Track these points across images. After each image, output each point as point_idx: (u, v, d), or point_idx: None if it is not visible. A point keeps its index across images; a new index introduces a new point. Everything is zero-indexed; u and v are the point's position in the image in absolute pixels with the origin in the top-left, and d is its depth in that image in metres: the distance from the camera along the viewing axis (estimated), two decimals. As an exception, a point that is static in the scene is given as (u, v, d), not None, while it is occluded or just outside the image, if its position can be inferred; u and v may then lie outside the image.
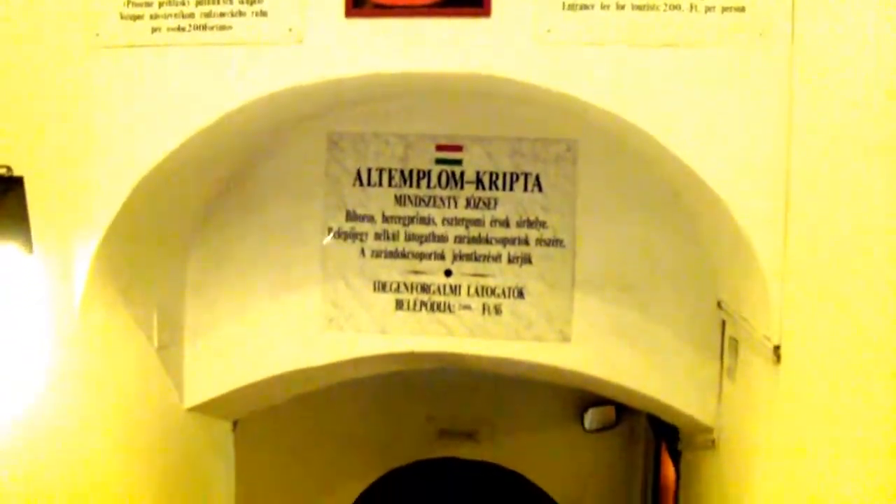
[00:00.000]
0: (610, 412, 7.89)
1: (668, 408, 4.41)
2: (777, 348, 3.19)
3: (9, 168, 2.96)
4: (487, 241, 4.38)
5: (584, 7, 3.33)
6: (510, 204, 4.38)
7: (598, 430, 8.03)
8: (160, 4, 3.51)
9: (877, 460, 2.31)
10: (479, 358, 4.50)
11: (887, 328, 2.26)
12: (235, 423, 5.38)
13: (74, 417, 3.53)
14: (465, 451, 8.49)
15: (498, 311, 4.36)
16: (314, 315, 4.45)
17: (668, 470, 6.42)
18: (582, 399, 8.00)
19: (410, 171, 4.43)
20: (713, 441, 4.26)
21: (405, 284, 4.39)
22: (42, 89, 3.36)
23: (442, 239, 4.40)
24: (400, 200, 4.43)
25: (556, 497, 8.54)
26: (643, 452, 8.14)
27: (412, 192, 4.42)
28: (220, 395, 4.55)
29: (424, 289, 4.39)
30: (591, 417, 7.92)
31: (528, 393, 8.15)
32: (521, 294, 4.35)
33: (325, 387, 5.93)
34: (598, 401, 7.83)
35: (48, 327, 3.36)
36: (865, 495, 2.38)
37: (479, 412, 8.36)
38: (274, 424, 8.20)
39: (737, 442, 3.92)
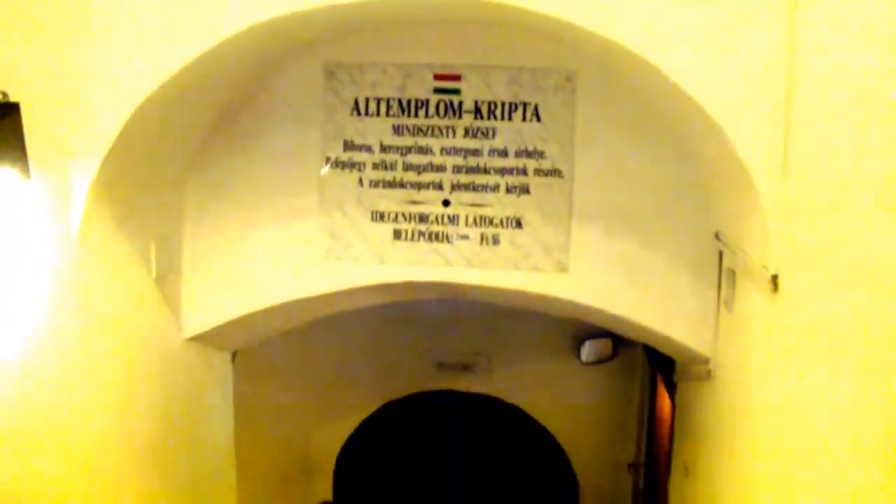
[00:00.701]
0: (606, 345, 7.92)
1: (664, 338, 4.43)
2: (775, 277, 3.20)
3: (5, 94, 2.94)
4: (486, 171, 4.36)
5: (586, -68, 3.29)
6: (509, 134, 4.35)
7: (595, 363, 8.07)
8: (158, -72, 3.46)
9: (872, 387, 2.32)
10: (476, 288, 4.50)
11: (885, 257, 2.26)
12: (234, 355, 5.40)
13: (73, 346, 3.54)
14: (463, 384, 8.56)
15: (496, 241, 4.36)
16: (312, 245, 4.45)
17: (664, 401, 6.48)
18: (579, 332, 8.04)
19: (408, 101, 4.39)
20: (709, 372, 4.29)
21: (403, 214, 4.38)
22: (39, 14, 3.31)
23: (440, 169, 4.38)
24: (398, 130, 4.40)
25: (551, 429, 8.62)
26: (639, 384, 8.21)
27: (410, 121, 4.39)
28: (219, 325, 4.57)
29: (422, 219, 4.38)
30: (587, 350, 7.95)
31: (526, 326, 8.18)
32: (519, 224, 4.35)
33: (324, 319, 5.96)
34: (594, 333, 7.86)
35: (46, 253, 3.36)
36: (861, 422, 2.40)
37: (477, 345, 8.41)
38: (273, 357, 8.26)
39: (733, 372, 3.95)
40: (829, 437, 2.65)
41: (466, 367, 8.43)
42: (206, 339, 4.69)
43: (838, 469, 2.57)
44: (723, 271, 4.14)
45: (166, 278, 4.31)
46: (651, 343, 5.02)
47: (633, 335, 4.94)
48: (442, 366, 8.47)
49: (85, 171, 3.50)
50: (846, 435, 2.51)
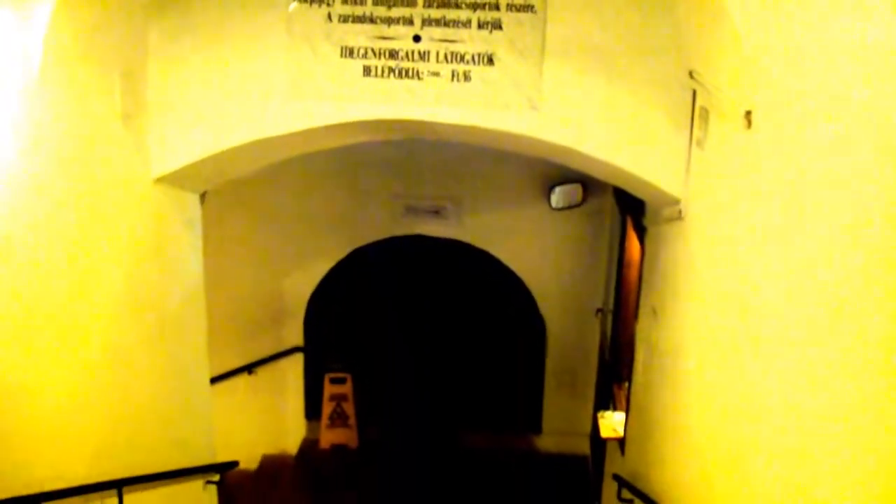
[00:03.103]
0: (577, 190, 7.96)
1: (635, 179, 4.42)
2: (748, 113, 3.18)
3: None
4: (457, 5, 4.23)
5: None
6: (481, -33, 4.23)
7: (565, 209, 8.12)
8: None
9: (846, 221, 2.33)
10: (447, 126, 4.44)
11: (857, 93, 2.24)
12: (203, 196, 5.35)
13: (33, 186, 3.47)
14: (432, 229, 8.59)
15: (467, 77, 4.27)
16: (280, 83, 4.35)
17: (634, 246, 6.53)
18: (549, 178, 8.05)
19: (379, -68, 4.24)
20: (680, 212, 4.30)
21: (373, 50, 4.28)
22: None
23: (410, 3, 4.24)
24: (368, -38, 4.26)
25: (520, 274, 8.72)
26: (609, 229, 8.27)
27: (380, -47, 4.25)
28: (186, 164, 4.50)
29: (392, 55, 4.28)
30: (557, 195, 7.98)
31: (496, 171, 8.19)
32: (490, 61, 4.26)
33: (293, 164, 5.90)
34: (565, 179, 7.88)
35: (7, 82, 3.27)
36: (832, 256, 2.42)
37: (447, 190, 8.41)
38: (242, 203, 8.26)
39: (703, 211, 3.96)
40: (797, 270, 2.68)
41: (436, 213, 8.45)
42: (173, 180, 4.63)
43: (806, 302, 2.60)
44: (696, 110, 4.10)
45: (132, 117, 4.22)
46: (622, 185, 5.01)
47: (604, 177, 4.92)
48: (411, 211, 8.48)
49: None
50: (815, 267, 2.53)
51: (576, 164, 4.74)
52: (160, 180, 4.53)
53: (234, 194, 8.22)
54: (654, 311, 4.96)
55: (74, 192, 3.76)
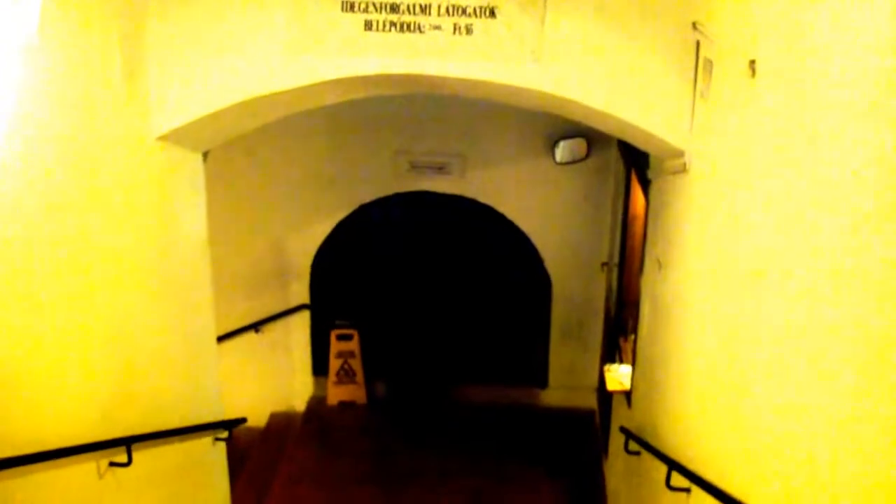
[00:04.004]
0: (581, 144, 7.92)
1: (639, 131, 4.40)
2: (753, 62, 3.16)
3: None
4: (459, -44, 4.19)
5: None
6: (482, -84, 4.17)
7: (569, 163, 8.09)
8: None
9: (853, 167, 2.32)
10: (449, 80, 4.41)
11: (867, 43, 2.22)
12: (206, 155, 5.33)
13: (34, 152, 3.45)
14: (436, 185, 8.57)
15: (469, 31, 4.23)
16: (280, 39, 4.31)
17: (638, 200, 6.52)
18: (553, 132, 8.02)
19: None
20: (684, 164, 4.28)
21: (374, 4, 4.22)
22: None
23: (411, -45, 4.21)
24: (368, -87, 4.21)
25: (525, 229, 8.71)
26: (613, 183, 8.25)
27: None
28: (188, 122, 4.48)
29: (394, 9, 4.23)
30: (562, 150, 7.95)
31: (500, 126, 8.15)
32: (492, 13, 4.21)
33: (296, 121, 5.88)
34: (569, 134, 7.85)
35: (6, 41, 3.24)
36: (838, 204, 2.41)
37: (451, 146, 8.38)
38: (247, 163, 8.25)
39: (708, 163, 3.95)
40: (803, 212, 2.67)
41: (440, 169, 8.43)
42: (175, 139, 4.61)
43: (813, 247, 2.60)
44: (700, 62, 4.07)
45: (132, 77, 4.19)
46: (626, 138, 4.99)
47: (607, 129, 4.89)
48: (415, 167, 8.46)
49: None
50: (822, 212, 2.52)
51: (579, 117, 4.71)
52: (162, 139, 4.51)
53: (239, 154, 8.21)
54: (659, 264, 4.96)
55: (76, 152, 3.74)
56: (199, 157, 5.19)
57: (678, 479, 4.02)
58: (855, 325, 2.27)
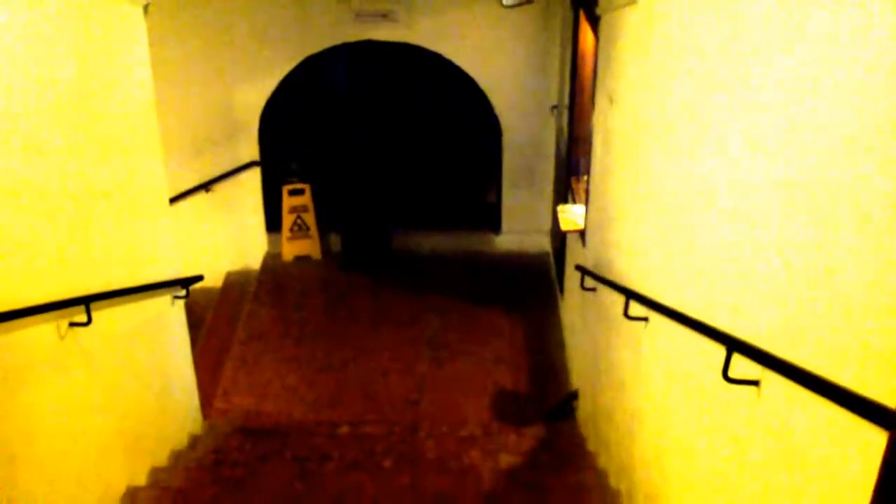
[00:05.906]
0: (528, -15, 7.78)
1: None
2: None
3: None
4: None
5: None
6: None
7: (516, 6, 7.95)
8: None
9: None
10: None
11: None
12: (146, 8, 5.13)
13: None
14: (382, 34, 8.41)
15: None
16: None
17: (587, 38, 6.45)
18: (499, -27, 7.86)
19: None
20: None
21: None
22: None
23: None
24: None
25: (474, 76, 8.63)
26: (561, 24, 8.15)
27: None
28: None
29: None
30: (508, -10, 7.80)
31: (445, -31, 7.99)
32: None
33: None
34: (515, -25, 7.71)
35: None
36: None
37: (395, -9, 8.20)
38: (191, 22, 8.02)
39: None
40: (754, 41, 2.64)
41: (385, 16, 8.25)
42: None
43: (764, 73, 2.58)
44: None
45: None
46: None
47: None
48: (360, 15, 8.27)
49: None
50: (773, 35, 2.49)
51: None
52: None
53: (184, 13, 7.98)
54: (611, 99, 4.93)
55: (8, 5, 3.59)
56: (140, 10, 5.00)
57: (636, 310, 4.08)
58: (793, 130, 2.27)
